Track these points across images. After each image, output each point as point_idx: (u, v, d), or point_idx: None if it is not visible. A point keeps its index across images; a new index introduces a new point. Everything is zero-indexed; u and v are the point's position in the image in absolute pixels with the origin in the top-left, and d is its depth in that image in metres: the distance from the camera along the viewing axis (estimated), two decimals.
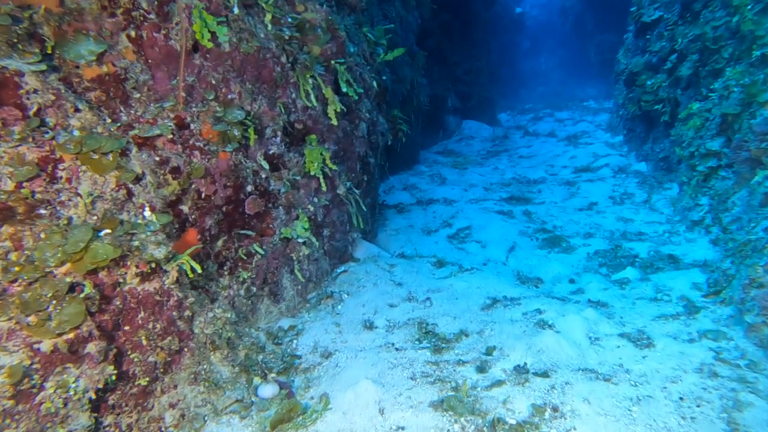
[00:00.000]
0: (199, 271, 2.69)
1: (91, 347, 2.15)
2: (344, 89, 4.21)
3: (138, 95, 2.77)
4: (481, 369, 2.98)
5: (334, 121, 4.20)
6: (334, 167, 4.12)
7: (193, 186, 3.11)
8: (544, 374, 2.86)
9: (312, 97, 3.92)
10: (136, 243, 2.40)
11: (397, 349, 3.30)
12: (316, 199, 4.17)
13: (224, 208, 3.35)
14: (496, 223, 5.69)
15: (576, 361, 3.01)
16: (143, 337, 2.48)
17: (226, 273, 3.42)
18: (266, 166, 3.57)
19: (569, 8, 21.54)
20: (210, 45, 3.08)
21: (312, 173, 4.03)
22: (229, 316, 3.18)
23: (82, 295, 2.13)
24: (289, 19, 3.88)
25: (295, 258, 3.96)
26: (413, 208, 6.77)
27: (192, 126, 3.06)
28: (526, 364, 2.95)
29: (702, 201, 5.14)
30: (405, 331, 3.52)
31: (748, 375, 2.74)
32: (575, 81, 21.08)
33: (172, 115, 2.93)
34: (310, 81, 3.95)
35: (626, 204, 6.33)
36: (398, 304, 3.87)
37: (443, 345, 3.30)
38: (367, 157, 5.02)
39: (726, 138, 5.11)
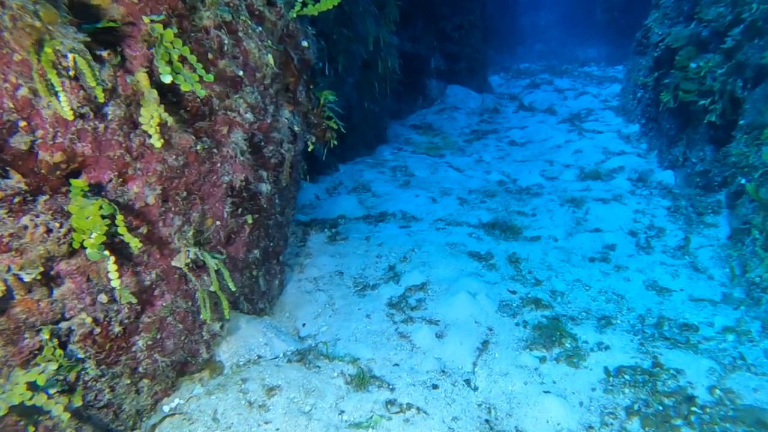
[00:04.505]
0: None
1: None
2: (166, 78, 2.06)
3: None
4: None
5: (156, 142, 2.10)
6: (138, 245, 2.03)
7: None
8: None
9: (62, 98, 1.78)
10: None
11: None
12: (103, 297, 2.12)
13: None
14: (465, 283, 3.72)
15: None
16: None
17: None
18: None
19: None
20: None
21: (89, 255, 1.96)
22: None
23: None
24: None
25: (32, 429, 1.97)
26: (355, 229, 4.74)
27: None
28: None
29: None
30: None
31: None
32: (576, 40, 18.99)
33: None
34: (71, 59, 1.80)
35: (656, 251, 4.40)
36: None
37: None
38: (252, 186, 2.94)
39: None
